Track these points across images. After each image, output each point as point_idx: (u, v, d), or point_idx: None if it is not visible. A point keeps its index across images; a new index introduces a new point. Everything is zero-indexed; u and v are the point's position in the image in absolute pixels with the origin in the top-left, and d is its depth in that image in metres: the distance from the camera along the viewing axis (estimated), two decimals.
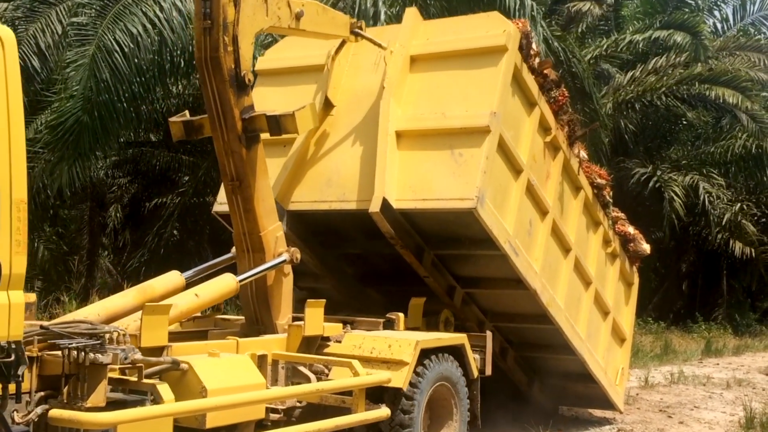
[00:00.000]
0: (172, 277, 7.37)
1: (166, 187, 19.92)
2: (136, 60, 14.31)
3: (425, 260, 8.90)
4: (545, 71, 9.47)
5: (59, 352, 5.37)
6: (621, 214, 11.50)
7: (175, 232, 18.63)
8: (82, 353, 5.23)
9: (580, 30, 23.69)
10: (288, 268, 7.92)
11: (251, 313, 7.85)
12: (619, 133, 24.06)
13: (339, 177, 8.80)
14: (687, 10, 25.96)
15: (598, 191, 10.79)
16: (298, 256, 7.92)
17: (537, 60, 9.33)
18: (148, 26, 14.50)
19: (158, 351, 6.05)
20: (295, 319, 7.84)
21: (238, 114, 7.40)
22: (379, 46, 9.07)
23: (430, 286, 9.09)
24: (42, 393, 5.40)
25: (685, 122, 27.04)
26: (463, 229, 8.52)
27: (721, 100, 22.79)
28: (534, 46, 9.23)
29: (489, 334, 9.04)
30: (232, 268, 7.98)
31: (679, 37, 22.53)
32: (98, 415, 5.09)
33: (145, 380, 5.54)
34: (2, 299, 4.84)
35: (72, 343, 5.29)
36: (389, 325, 8.44)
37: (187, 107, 18.47)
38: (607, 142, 21.79)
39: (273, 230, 7.77)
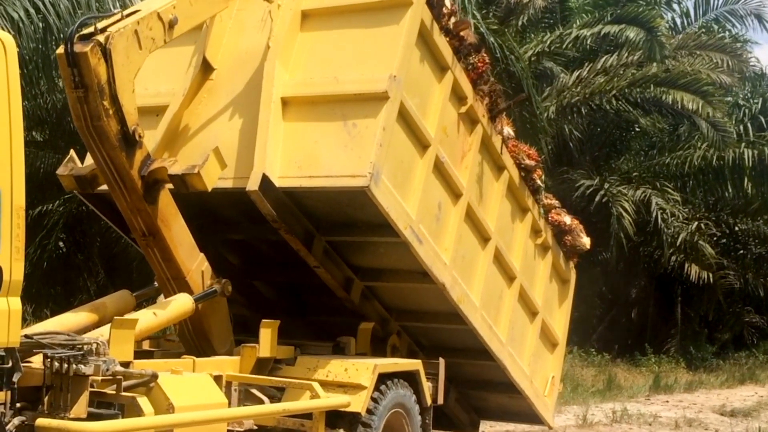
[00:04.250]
0: (123, 296, 8.85)
1: (51, 193, 20.32)
2: (17, 48, 15.51)
3: (316, 248, 9.18)
4: (462, 33, 9.64)
5: (35, 363, 6.63)
6: (555, 202, 11.86)
7: (60, 243, 19.65)
8: (65, 364, 6.45)
9: (520, 23, 24.90)
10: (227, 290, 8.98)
11: (191, 348, 9.00)
12: (563, 141, 25.49)
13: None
14: (642, 2, 27.32)
15: (527, 174, 11.02)
16: (229, 288, 8.91)
17: (452, 20, 9.50)
18: (32, 11, 15.41)
19: (124, 366, 7.15)
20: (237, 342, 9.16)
21: (136, 175, 7.93)
22: None
23: (322, 278, 9.39)
24: (18, 404, 6.43)
25: (637, 129, 28.56)
26: (357, 211, 8.80)
27: (678, 106, 24.15)
28: (447, 3, 9.38)
29: (442, 361, 10.03)
30: None
31: (632, 33, 23.81)
32: (88, 424, 6.36)
33: (124, 393, 6.84)
34: (2, 305, 5.94)
35: (56, 353, 6.50)
36: (338, 349, 9.63)
37: None
38: (549, 150, 23.13)
39: (197, 268, 8.72)
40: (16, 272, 6.10)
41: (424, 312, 10.27)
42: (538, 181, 11.27)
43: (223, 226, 9.71)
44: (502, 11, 24.18)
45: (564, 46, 25.08)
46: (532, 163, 11.04)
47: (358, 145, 8.46)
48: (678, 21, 31.11)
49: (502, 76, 20.43)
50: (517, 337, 11.22)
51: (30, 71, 16.01)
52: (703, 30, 30.47)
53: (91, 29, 7.56)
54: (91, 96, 7.46)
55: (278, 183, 8.57)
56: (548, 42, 24.93)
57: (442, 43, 9.37)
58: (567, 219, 11.96)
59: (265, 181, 8.42)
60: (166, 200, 8.27)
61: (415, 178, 9.11)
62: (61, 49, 7.58)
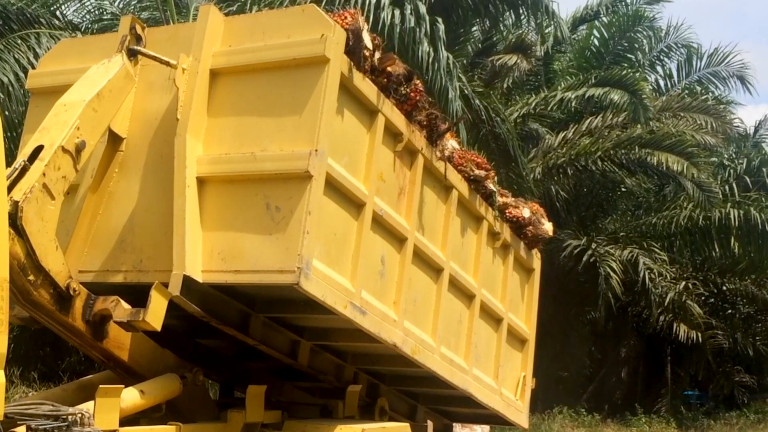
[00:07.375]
0: (110, 374, 8.67)
1: None
2: (6, 112, 15.23)
3: (253, 325, 8.64)
4: (389, 69, 8.82)
5: None
6: (510, 199, 11.24)
7: None
8: None
9: (505, 86, 25.17)
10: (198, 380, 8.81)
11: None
12: (550, 201, 25.22)
13: (134, 237, 8.31)
14: (626, 65, 27.70)
15: (477, 185, 10.41)
16: (201, 377, 8.67)
17: (377, 56, 8.64)
18: (21, 75, 15.65)
19: None
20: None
21: (81, 324, 7.59)
22: (167, 63, 8.27)
23: (265, 352, 8.97)
24: None
25: (623, 189, 28.72)
26: (293, 293, 7.94)
27: (664, 167, 24.37)
28: (368, 42, 8.42)
29: (430, 424, 10.03)
30: None
31: (616, 96, 23.96)
32: None
33: None
34: None
35: (40, 425, 6.41)
36: (326, 412, 9.55)
37: None
38: None
39: (164, 368, 8.46)
40: (1, 345, 5.98)
41: (380, 355, 9.83)
42: (491, 186, 10.65)
43: None
44: (487, 74, 24.38)
45: (549, 108, 25.33)
46: (482, 172, 10.40)
47: (283, 234, 7.69)
48: (661, 83, 31.46)
49: (488, 137, 20.61)
50: (483, 355, 10.85)
51: (19, 135, 16.04)
52: (687, 92, 30.72)
53: None
54: (15, 277, 6.81)
55: (202, 278, 7.87)
56: (533, 104, 25.16)
57: (366, 87, 8.49)
58: (525, 212, 11.37)
59: (188, 282, 7.72)
60: (116, 328, 7.85)
61: (351, 245, 8.43)
62: None
